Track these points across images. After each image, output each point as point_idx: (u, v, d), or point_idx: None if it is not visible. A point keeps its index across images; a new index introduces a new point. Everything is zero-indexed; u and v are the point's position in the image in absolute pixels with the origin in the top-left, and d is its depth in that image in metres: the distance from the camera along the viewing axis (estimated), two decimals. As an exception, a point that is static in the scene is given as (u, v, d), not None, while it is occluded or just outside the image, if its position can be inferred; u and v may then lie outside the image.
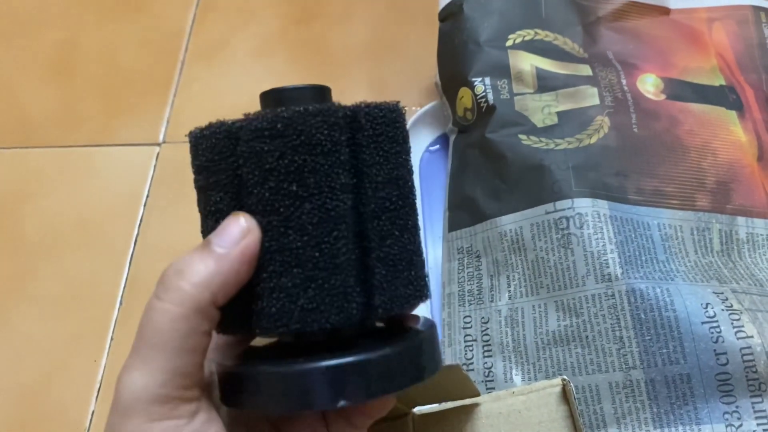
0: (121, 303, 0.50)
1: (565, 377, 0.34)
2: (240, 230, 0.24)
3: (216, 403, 0.25)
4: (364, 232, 0.24)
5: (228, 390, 0.25)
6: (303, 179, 0.23)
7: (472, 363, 0.41)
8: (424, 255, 0.27)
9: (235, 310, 0.24)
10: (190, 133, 0.26)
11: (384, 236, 0.24)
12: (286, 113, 0.23)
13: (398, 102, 0.26)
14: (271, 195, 0.23)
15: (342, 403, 0.22)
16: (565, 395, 0.34)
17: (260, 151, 0.23)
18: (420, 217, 0.50)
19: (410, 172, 0.26)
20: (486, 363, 0.40)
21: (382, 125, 0.25)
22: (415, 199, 0.26)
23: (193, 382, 0.23)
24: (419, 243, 0.26)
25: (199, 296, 0.23)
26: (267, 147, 0.23)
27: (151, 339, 0.23)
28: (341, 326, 0.23)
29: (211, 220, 0.25)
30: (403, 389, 0.24)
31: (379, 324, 0.27)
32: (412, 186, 0.26)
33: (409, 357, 0.24)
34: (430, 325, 0.26)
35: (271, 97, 0.25)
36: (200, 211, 0.26)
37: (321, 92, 0.26)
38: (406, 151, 0.26)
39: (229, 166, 0.24)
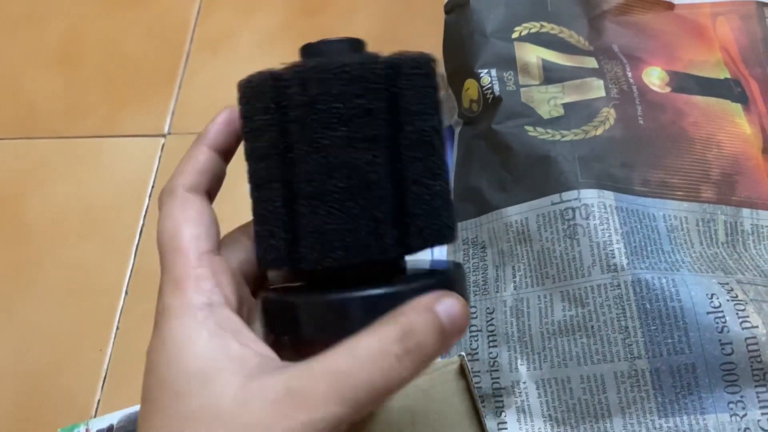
0: (126, 292, 0.50)
1: (462, 353, 0.36)
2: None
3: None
4: (403, 170, 0.24)
5: (279, 319, 0.25)
6: (351, 120, 0.23)
7: (477, 353, 0.41)
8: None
9: (280, 243, 0.24)
10: (240, 83, 0.26)
11: (422, 174, 0.24)
12: (347, 60, 0.23)
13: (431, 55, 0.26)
14: (316, 132, 0.24)
15: None
16: (462, 371, 0.36)
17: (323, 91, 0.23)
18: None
19: (441, 123, 0.26)
20: (491, 353, 0.41)
21: (421, 77, 0.25)
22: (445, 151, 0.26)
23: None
24: (449, 189, 0.26)
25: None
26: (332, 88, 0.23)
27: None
28: (378, 258, 0.24)
29: (257, 163, 0.26)
30: None
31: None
32: (444, 136, 0.26)
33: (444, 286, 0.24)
34: (457, 264, 0.27)
35: (313, 49, 0.26)
36: (247, 159, 0.27)
37: (359, 44, 0.26)
38: (439, 102, 0.26)
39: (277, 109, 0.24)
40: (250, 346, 0.23)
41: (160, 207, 0.26)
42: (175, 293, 0.24)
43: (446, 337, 0.23)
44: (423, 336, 0.22)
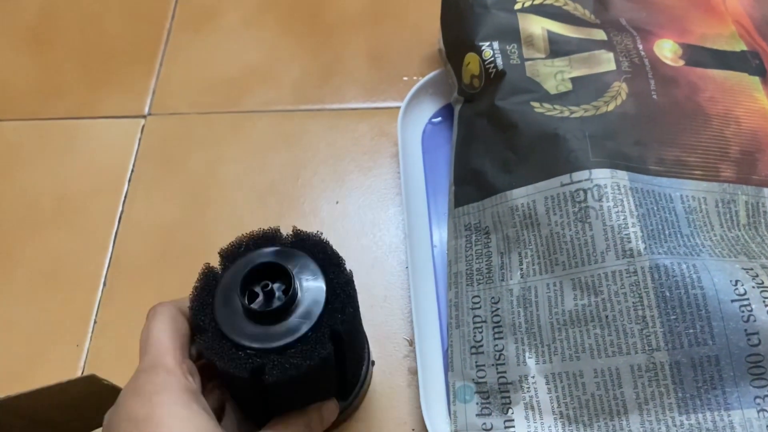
0: (104, 284, 0.47)
1: (94, 374, 0.33)
2: None
3: None
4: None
5: None
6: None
7: (481, 345, 0.38)
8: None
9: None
10: None
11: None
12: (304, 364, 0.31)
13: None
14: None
15: None
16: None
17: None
18: (423, 194, 0.47)
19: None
20: (497, 345, 0.38)
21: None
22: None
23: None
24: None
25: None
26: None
27: None
28: None
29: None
30: None
31: None
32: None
33: None
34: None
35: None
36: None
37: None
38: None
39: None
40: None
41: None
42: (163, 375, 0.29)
43: None
44: None
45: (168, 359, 0.29)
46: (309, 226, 0.47)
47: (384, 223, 0.47)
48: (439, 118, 0.50)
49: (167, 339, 0.30)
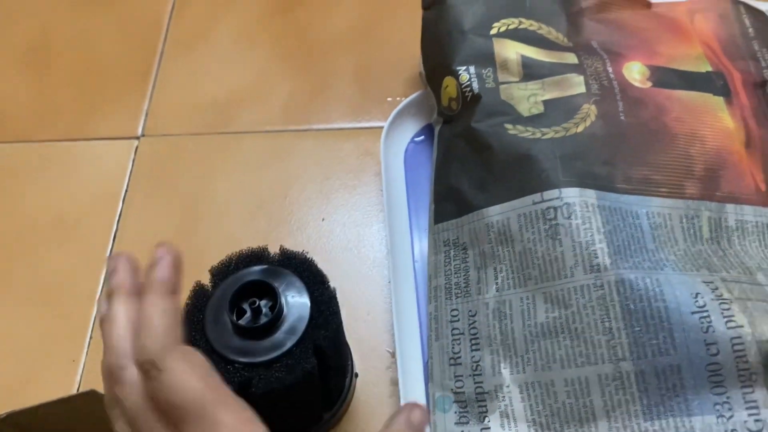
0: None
1: (94, 389, 0.34)
2: None
3: None
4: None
5: None
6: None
7: (459, 357, 0.40)
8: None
9: None
10: None
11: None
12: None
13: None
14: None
15: None
16: None
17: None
18: (405, 210, 0.49)
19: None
20: (474, 357, 0.40)
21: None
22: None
23: None
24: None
25: None
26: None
27: None
28: None
29: None
30: None
31: None
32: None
33: None
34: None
35: None
36: None
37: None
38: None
39: None
40: None
41: (164, 365, 0.25)
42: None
43: None
44: None
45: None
46: (296, 243, 0.49)
47: (368, 239, 0.49)
48: (422, 137, 0.52)
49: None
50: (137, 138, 0.56)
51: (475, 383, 0.39)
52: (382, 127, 0.50)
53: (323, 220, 0.50)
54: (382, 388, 0.43)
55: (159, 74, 0.60)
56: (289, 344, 0.33)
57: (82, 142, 0.56)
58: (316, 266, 0.36)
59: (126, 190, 0.53)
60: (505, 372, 0.38)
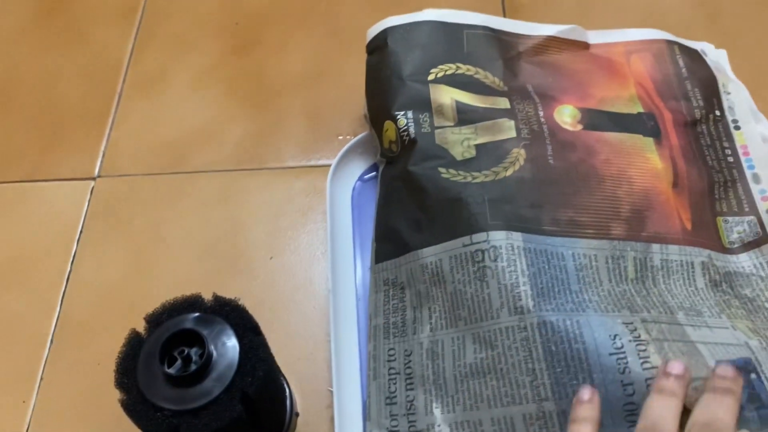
0: (51, 341, 0.49)
1: None
2: None
3: None
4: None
5: None
6: None
7: (395, 396, 0.41)
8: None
9: None
10: None
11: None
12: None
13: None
14: None
15: None
16: None
17: None
18: (350, 249, 0.50)
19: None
20: (408, 396, 0.41)
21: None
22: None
23: None
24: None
25: None
26: None
27: None
28: None
29: None
30: None
31: None
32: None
33: None
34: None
35: None
36: None
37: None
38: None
39: None
40: None
41: None
42: None
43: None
44: None
45: None
46: (244, 283, 0.50)
47: (314, 278, 0.50)
48: (372, 174, 0.54)
49: None
50: (93, 179, 0.57)
51: (409, 422, 0.40)
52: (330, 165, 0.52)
53: (271, 258, 0.51)
54: (323, 426, 0.44)
55: (117, 115, 0.61)
56: (216, 392, 0.34)
57: (39, 183, 0.58)
58: (247, 313, 0.37)
59: (81, 231, 0.55)
60: (437, 411, 0.39)
